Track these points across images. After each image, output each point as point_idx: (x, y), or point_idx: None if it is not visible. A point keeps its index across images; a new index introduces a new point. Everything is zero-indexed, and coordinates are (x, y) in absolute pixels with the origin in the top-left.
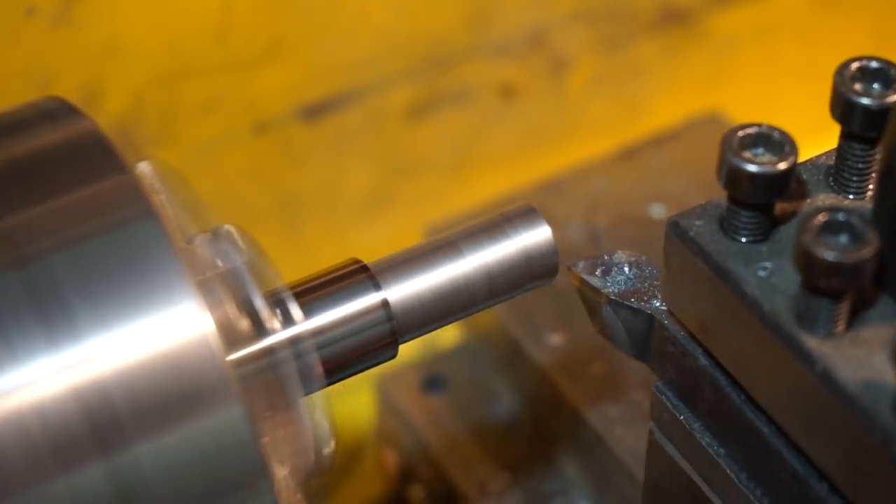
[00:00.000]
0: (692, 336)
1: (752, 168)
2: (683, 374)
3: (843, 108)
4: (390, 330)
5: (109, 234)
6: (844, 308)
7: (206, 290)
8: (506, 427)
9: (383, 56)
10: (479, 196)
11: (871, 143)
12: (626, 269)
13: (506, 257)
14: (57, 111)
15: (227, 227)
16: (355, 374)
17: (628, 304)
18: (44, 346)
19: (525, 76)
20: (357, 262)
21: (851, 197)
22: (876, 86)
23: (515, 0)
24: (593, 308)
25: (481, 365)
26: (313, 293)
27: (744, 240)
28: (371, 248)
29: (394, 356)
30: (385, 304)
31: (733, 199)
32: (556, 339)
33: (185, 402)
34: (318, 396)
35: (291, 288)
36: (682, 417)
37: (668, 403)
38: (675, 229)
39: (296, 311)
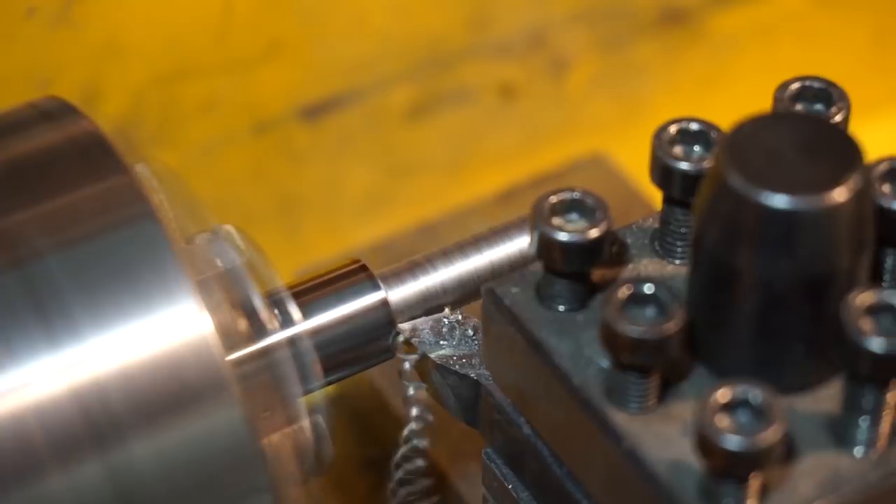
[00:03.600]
0: (516, 405)
1: (562, 237)
2: (510, 443)
3: (661, 172)
4: (390, 330)
5: (109, 234)
6: (654, 382)
7: (205, 291)
8: (376, 484)
9: (383, 56)
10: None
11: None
12: (455, 331)
13: (504, 255)
14: (57, 111)
15: (227, 227)
16: (354, 373)
17: (454, 369)
18: (43, 347)
19: (525, 76)
20: (356, 262)
21: (677, 262)
22: (697, 148)
23: (515, 0)
24: (423, 371)
25: (352, 419)
26: (312, 293)
27: (561, 308)
28: (371, 248)
29: (393, 356)
30: (385, 303)
31: (548, 268)
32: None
33: (183, 402)
34: (318, 396)
35: (290, 288)
36: (510, 486)
37: (497, 471)
38: (491, 297)
39: (295, 311)
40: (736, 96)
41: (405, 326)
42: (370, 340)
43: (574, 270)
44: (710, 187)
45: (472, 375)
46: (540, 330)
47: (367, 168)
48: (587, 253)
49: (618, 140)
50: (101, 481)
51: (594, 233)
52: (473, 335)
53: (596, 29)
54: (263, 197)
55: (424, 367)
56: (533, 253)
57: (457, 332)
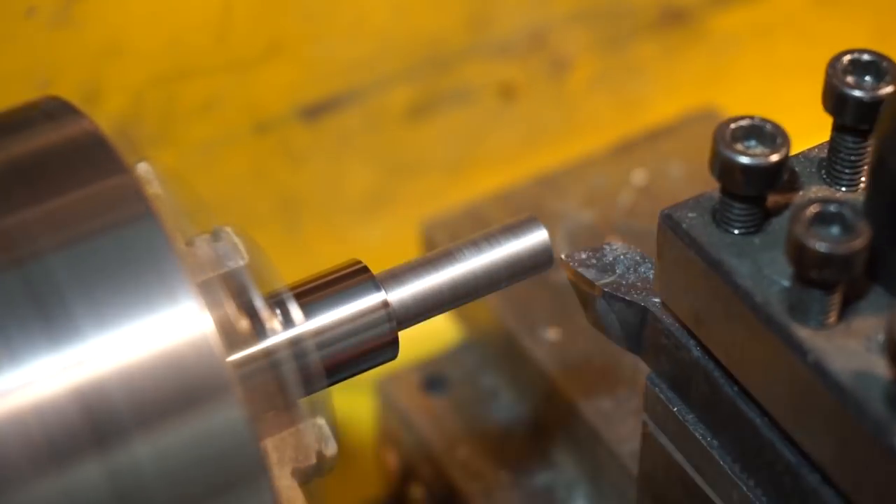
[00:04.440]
0: (685, 328)
1: (744, 160)
2: (677, 366)
3: (835, 100)
4: (391, 330)
5: (109, 234)
6: (836, 299)
7: (206, 291)
8: (505, 425)
9: (383, 56)
10: (479, 196)
11: (864, 135)
12: (620, 261)
13: (504, 255)
14: (57, 111)
15: (227, 227)
16: (356, 374)
17: (622, 296)
18: (44, 347)
19: (525, 76)
20: (357, 262)
21: (844, 189)
22: (868, 78)
23: (515, 0)
24: (587, 300)
25: (480, 363)
26: (314, 294)
27: (736, 232)
28: (371, 248)
29: (394, 356)
30: (385, 304)
31: (726, 192)
32: (552, 335)
33: (184, 402)
34: (319, 397)
35: (292, 288)
36: (675, 409)
37: (662, 395)
38: (668, 221)
39: (296, 311)
40: (736, 96)
41: (567, 255)
42: (372, 341)
43: (754, 194)
44: (894, 110)
45: (639, 302)
46: (719, 252)
47: (367, 168)
48: (768, 177)
49: (618, 140)
50: (101, 481)
51: (775, 157)
52: (636, 265)
53: (596, 29)
54: (263, 197)
55: (589, 296)
56: (714, 176)
57: (621, 262)
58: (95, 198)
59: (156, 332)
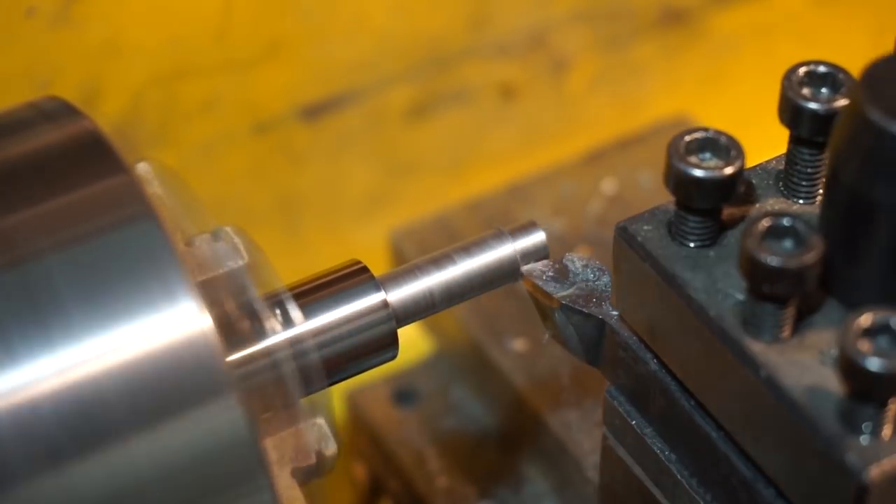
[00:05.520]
0: (643, 341)
1: (698, 173)
2: (634, 380)
3: (791, 112)
4: (391, 330)
5: (108, 234)
6: (790, 313)
7: (206, 291)
8: (474, 438)
9: (383, 56)
10: (448, 206)
11: (820, 147)
12: (579, 273)
13: (501, 256)
14: (56, 111)
15: (227, 227)
16: (356, 374)
17: (580, 308)
18: (42, 347)
19: (525, 76)
20: (357, 262)
21: (801, 202)
22: (824, 90)
23: (515, 0)
24: (546, 313)
25: (450, 375)
26: (313, 294)
27: (692, 245)
28: (371, 248)
29: (394, 356)
30: (385, 304)
31: (681, 205)
32: (520, 346)
33: (183, 402)
34: (319, 397)
35: (291, 289)
36: (633, 422)
37: (620, 408)
38: (623, 234)
39: (295, 311)
40: (736, 96)
41: (528, 269)
42: (371, 341)
43: (708, 207)
44: (847, 122)
45: (597, 315)
46: (673, 265)
47: (367, 168)
48: (722, 190)
49: (618, 139)
50: (100, 481)
51: (729, 170)
52: (596, 277)
53: (596, 29)
54: (263, 197)
55: (547, 309)
56: (668, 189)
57: (580, 274)
58: (95, 198)
59: (155, 331)
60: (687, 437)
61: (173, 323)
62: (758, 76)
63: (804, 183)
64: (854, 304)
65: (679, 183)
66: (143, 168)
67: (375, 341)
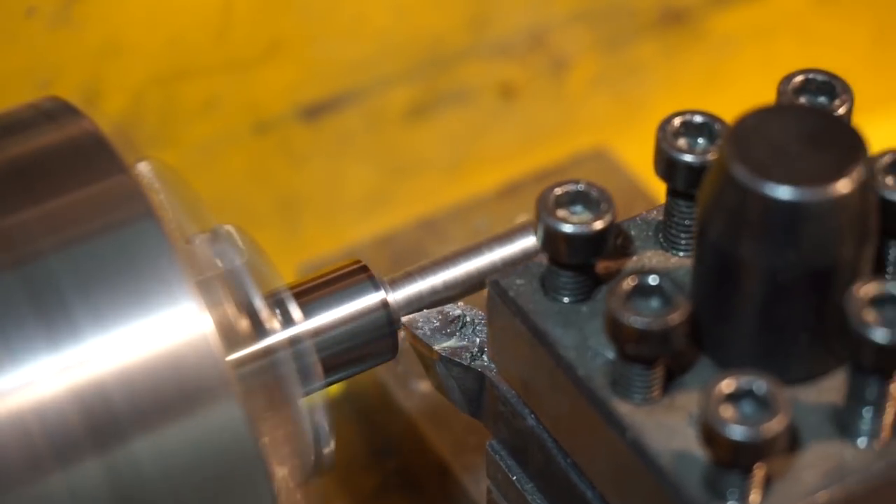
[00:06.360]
0: (520, 396)
1: (566, 228)
2: (515, 434)
3: (665, 165)
4: (391, 330)
5: (109, 234)
6: (659, 373)
7: (206, 291)
8: (381, 482)
9: (383, 56)
10: (356, 240)
11: (697, 199)
12: (463, 323)
13: (499, 257)
14: (56, 111)
15: (227, 227)
16: (356, 374)
17: (459, 361)
18: (43, 347)
19: (525, 76)
20: (357, 262)
21: (681, 254)
22: (700, 140)
23: (515, 0)
24: (427, 364)
25: (356, 417)
26: (313, 293)
27: (565, 300)
28: (371, 248)
29: (394, 356)
30: (385, 304)
31: (552, 260)
32: (423, 386)
33: (184, 402)
34: (319, 397)
35: (291, 288)
36: (514, 478)
37: (502, 463)
38: (496, 288)
39: (295, 311)
40: (736, 96)
41: (408, 319)
42: (371, 341)
43: (579, 262)
44: (714, 179)
45: (477, 367)
46: (545, 321)
47: (367, 168)
48: (592, 245)
49: (618, 140)
50: (101, 481)
51: (599, 224)
52: (477, 328)
53: (596, 29)
54: (263, 197)
55: (429, 360)
56: (538, 245)
57: (460, 325)
58: (95, 198)
59: (155, 331)
60: (565, 495)
61: (173, 322)
62: (758, 76)
63: (682, 235)
64: (726, 363)
65: (548, 238)
66: (143, 168)
67: (375, 341)
